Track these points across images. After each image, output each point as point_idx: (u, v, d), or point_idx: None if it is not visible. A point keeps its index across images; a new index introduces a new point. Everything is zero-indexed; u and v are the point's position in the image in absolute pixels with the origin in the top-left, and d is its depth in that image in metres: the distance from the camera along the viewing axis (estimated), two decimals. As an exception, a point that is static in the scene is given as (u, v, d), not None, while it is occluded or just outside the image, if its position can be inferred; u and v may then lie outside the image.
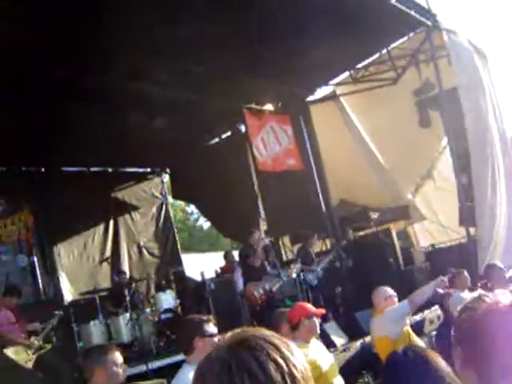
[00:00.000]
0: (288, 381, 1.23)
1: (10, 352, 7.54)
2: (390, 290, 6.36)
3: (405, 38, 11.99)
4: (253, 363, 1.23)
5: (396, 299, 6.25)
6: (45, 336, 8.06)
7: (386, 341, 5.81)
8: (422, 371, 2.28)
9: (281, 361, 1.25)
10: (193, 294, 10.86)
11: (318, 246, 13.02)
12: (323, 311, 5.52)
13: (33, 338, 7.89)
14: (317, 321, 5.20)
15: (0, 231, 12.44)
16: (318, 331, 5.25)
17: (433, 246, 13.70)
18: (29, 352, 7.68)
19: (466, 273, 7.65)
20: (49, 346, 8.07)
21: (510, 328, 1.65)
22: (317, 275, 10.85)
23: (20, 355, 7.59)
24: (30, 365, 7.53)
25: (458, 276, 7.61)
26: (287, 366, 1.25)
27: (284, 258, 13.80)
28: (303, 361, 1.31)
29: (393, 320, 5.91)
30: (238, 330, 1.37)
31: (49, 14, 7.44)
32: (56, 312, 8.50)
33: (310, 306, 5.34)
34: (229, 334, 1.36)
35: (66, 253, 13.86)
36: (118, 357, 3.96)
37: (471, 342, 1.71)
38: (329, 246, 12.71)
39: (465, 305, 1.86)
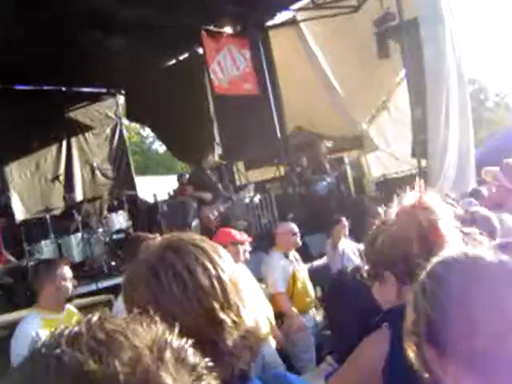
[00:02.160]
0: (215, 283, 1.24)
1: None
2: (294, 227, 6.51)
3: (369, -36, 11.84)
4: (179, 265, 1.24)
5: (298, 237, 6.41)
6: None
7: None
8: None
9: (208, 264, 1.26)
10: (145, 215, 10.87)
11: (271, 173, 13.12)
12: (248, 239, 5.58)
13: None
14: (241, 248, 5.27)
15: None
16: (243, 258, 5.31)
17: (384, 176, 13.91)
18: None
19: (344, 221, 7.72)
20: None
21: None
22: (326, 187, 11.10)
23: None
24: None
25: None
26: (215, 269, 1.26)
27: (238, 183, 13.84)
28: (232, 264, 1.33)
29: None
30: (168, 235, 1.38)
31: None
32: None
33: (235, 233, 5.39)
34: (157, 240, 1.37)
35: (17, 172, 13.68)
36: (67, 271, 3.97)
37: None
38: (282, 173, 12.77)
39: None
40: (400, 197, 1.90)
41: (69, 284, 3.96)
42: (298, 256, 6.56)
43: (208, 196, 9.65)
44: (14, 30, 9.98)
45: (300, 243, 6.56)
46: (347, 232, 7.73)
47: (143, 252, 1.33)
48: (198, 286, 1.22)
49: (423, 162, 11.47)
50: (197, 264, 1.25)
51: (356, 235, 7.79)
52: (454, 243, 1.67)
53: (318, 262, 9.00)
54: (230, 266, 1.32)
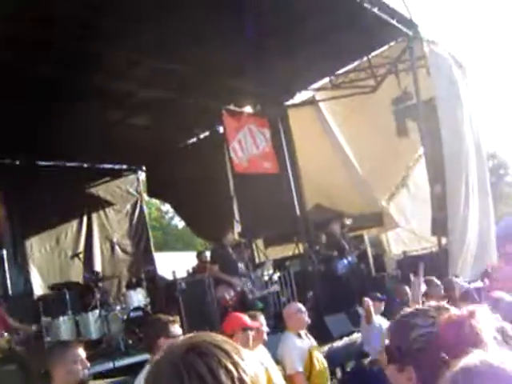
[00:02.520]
0: None
1: None
2: (301, 306, 6.45)
3: (385, 47, 12.10)
4: (203, 369, 1.24)
5: (305, 315, 6.35)
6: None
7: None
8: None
9: (231, 366, 1.26)
10: (164, 293, 10.78)
11: (290, 250, 13.08)
12: (258, 325, 5.51)
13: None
14: (251, 333, 5.20)
15: (-29, 222, 12.31)
16: (251, 344, 5.23)
17: (404, 253, 13.79)
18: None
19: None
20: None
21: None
22: (346, 266, 11.05)
23: None
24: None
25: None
26: (237, 371, 1.26)
27: (257, 261, 13.78)
28: (254, 366, 1.32)
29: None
30: (190, 335, 1.38)
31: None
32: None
33: (246, 319, 5.32)
34: (181, 338, 1.37)
35: (37, 247, 13.77)
36: (79, 353, 3.90)
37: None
38: (302, 250, 12.71)
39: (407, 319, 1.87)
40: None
41: (80, 367, 3.90)
42: (309, 335, 6.50)
43: (229, 279, 9.60)
44: (37, 109, 10.25)
45: (309, 321, 6.48)
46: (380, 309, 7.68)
47: (166, 352, 1.33)
48: None
49: (443, 240, 11.38)
50: (220, 367, 1.25)
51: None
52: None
53: (337, 343, 8.85)
54: (252, 368, 1.31)
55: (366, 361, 7.64)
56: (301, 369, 5.94)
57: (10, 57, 8.30)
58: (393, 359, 1.87)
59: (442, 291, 7.43)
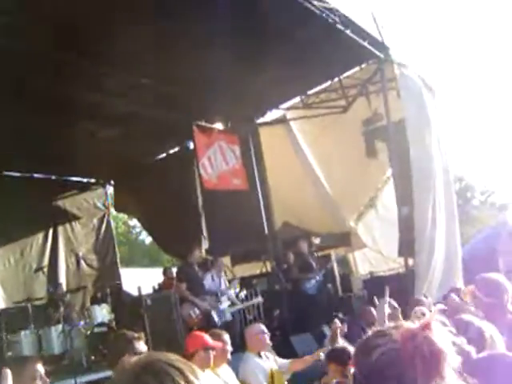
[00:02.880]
0: None
1: None
2: (263, 328, 6.47)
3: (357, 68, 12.21)
4: None
5: (267, 336, 6.37)
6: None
7: None
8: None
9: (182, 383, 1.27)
10: (129, 308, 10.66)
11: (258, 268, 13.04)
12: (220, 344, 5.49)
13: None
14: (212, 353, 5.18)
15: None
16: (211, 364, 5.21)
17: (371, 273, 13.86)
18: None
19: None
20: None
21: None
22: (315, 285, 10.97)
23: None
24: None
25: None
26: None
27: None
28: None
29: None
30: (144, 354, 1.37)
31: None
32: None
33: (207, 338, 5.30)
34: (135, 359, 1.36)
35: (1, 260, 13.53)
36: (38, 369, 3.80)
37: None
38: (269, 269, 12.69)
39: (366, 343, 1.87)
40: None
41: (39, 383, 3.78)
42: (269, 354, 6.50)
43: (195, 300, 9.53)
44: (6, 118, 10.11)
45: (270, 343, 6.47)
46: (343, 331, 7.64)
47: (121, 371, 1.32)
48: None
49: (410, 261, 11.44)
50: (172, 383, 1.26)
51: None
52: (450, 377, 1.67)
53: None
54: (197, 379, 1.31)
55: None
56: None
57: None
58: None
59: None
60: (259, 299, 10.65)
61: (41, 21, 7.63)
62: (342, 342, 6.96)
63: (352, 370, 1.95)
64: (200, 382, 1.30)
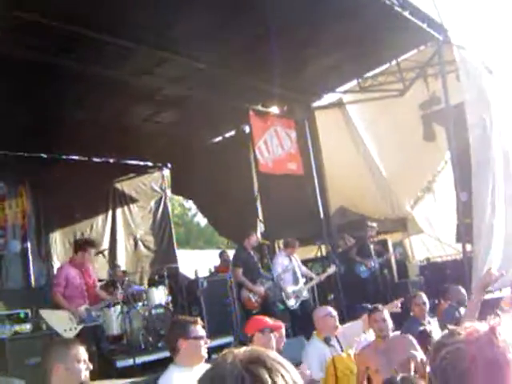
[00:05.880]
0: None
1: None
2: (331, 310, 6.37)
3: (415, 51, 12.01)
4: (267, 381, 1.30)
5: (335, 319, 6.25)
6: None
7: None
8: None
9: (290, 382, 1.34)
10: (185, 291, 10.84)
11: (313, 252, 13.04)
12: (280, 325, 5.47)
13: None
14: (273, 335, 5.15)
15: (-3, 214, 12.46)
16: (274, 346, 5.16)
17: (428, 259, 13.69)
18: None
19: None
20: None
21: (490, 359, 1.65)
22: (369, 270, 10.98)
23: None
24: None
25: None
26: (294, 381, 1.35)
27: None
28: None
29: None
30: (247, 348, 1.42)
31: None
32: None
33: (266, 320, 5.27)
34: (236, 351, 1.40)
35: (61, 241, 13.87)
36: (82, 353, 3.76)
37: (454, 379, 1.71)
38: (324, 253, 12.68)
39: (439, 341, 1.86)
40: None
41: (82, 366, 3.74)
42: (339, 339, 6.33)
43: (252, 287, 9.59)
44: (67, 103, 10.33)
45: (339, 326, 6.37)
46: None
47: (225, 360, 1.38)
48: None
49: (468, 247, 11.25)
50: (283, 381, 1.32)
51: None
52: None
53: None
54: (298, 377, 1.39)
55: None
56: (317, 377, 5.83)
57: (34, 53, 8.33)
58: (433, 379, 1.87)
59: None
60: (333, 269, 10.61)
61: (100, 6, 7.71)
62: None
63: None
64: (298, 379, 1.37)
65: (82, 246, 8.49)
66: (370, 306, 6.49)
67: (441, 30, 10.99)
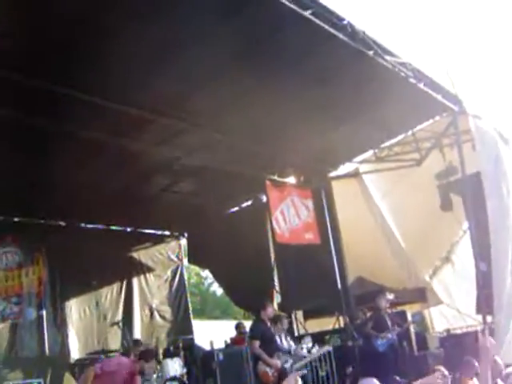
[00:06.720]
0: None
1: None
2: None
3: (430, 121, 12.10)
4: None
5: None
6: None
7: None
8: None
9: None
10: (200, 363, 10.66)
11: (330, 323, 12.83)
12: None
13: None
14: None
15: (13, 282, 12.43)
16: None
17: (448, 331, 13.39)
18: None
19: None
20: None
21: None
22: (387, 343, 10.76)
23: None
24: None
25: None
26: None
27: (296, 333, 13.52)
28: None
29: None
30: None
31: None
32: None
33: None
34: None
35: (77, 309, 13.81)
36: None
37: None
38: (342, 324, 12.47)
39: None
40: None
41: None
42: None
43: (269, 361, 9.36)
44: (86, 172, 10.47)
45: None
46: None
47: None
48: None
49: (489, 318, 11.03)
50: None
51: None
52: None
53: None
54: None
55: None
56: None
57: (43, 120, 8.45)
58: None
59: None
60: (327, 348, 10.38)
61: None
62: None
63: None
64: None
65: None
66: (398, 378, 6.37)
67: (455, 101, 11.10)
